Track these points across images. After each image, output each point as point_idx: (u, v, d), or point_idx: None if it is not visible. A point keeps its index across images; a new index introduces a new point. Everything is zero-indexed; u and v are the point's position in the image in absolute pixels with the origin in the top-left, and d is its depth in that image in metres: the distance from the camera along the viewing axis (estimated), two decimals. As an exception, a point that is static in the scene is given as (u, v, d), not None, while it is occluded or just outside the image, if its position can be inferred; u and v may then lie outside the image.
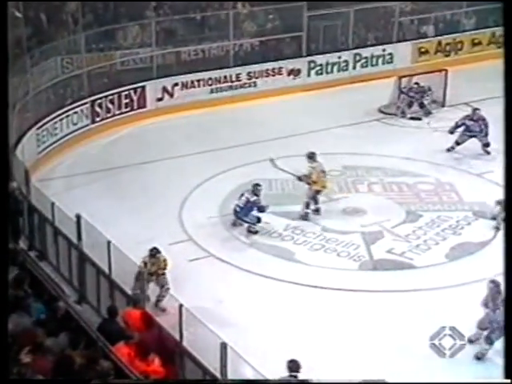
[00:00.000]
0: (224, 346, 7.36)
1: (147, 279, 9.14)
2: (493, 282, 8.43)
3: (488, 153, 13.45)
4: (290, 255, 10.60)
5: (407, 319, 9.10)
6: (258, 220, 10.95)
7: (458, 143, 13.52)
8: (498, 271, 9.83)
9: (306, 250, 10.70)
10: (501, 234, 10.96)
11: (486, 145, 13.41)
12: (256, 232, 10.98)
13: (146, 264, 9.18)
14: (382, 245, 10.77)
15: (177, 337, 7.95)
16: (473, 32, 18.77)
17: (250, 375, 7.28)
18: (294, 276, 10.07)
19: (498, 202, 10.86)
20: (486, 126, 13.29)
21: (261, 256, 10.47)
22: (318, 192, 11.43)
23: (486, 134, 13.31)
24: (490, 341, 8.38)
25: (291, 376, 7.17)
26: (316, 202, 11.51)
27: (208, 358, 7.68)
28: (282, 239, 10.97)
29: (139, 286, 9.00)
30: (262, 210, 10.95)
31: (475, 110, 13.60)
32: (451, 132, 13.56)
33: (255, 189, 11.00)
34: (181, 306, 8.18)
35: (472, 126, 13.37)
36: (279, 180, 12.79)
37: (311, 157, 11.45)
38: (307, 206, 11.46)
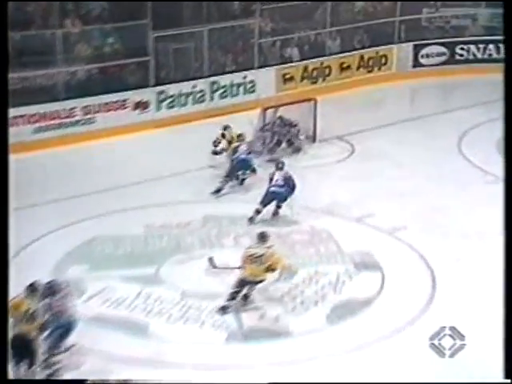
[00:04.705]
0: None
1: None
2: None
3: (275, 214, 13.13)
4: (143, 329, 10.30)
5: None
6: None
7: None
8: (384, 333, 10.26)
9: (163, 322, 10.44)
10: (388, 288, 11.26)
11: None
12: None
13: None
14: (252, 310, 10.73)
15: None
16: (340, 55, 19.50)
17: None
18: (147, 354, 9.72)
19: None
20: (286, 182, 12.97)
21: (107, 332, 10.07)
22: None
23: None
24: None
25: None
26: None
27: None
28: (132, 310, 10.67)
29: None
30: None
31: (279, 163, 13.36)
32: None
33: None
34: None
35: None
36: (128, 237, 12.52)
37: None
38: None
